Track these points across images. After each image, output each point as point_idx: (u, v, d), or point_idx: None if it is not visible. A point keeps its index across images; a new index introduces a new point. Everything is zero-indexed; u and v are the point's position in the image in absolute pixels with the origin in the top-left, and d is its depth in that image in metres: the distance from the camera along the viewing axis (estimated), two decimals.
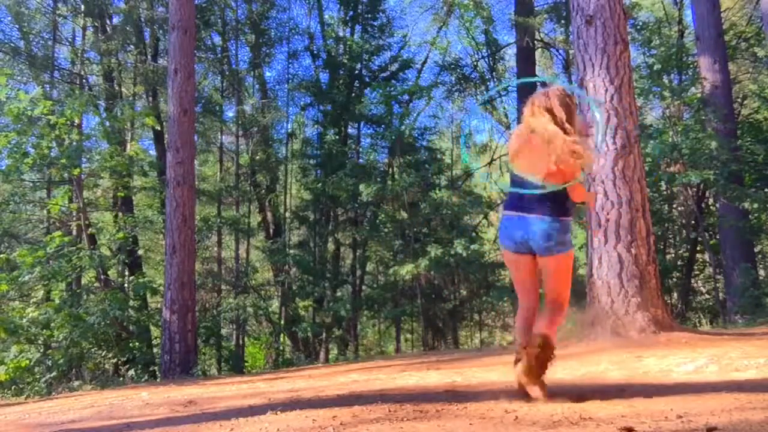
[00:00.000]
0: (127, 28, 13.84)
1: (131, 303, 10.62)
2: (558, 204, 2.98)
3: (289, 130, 16.42)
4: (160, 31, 14.18)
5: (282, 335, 14.38)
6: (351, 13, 15.96)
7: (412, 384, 4.27)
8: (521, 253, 3.05)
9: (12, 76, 12.09)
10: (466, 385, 3.99)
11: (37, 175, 12.43)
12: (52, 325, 9.20)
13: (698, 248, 12.87)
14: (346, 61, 15.21)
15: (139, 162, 12.61)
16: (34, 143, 10.40)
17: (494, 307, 14.17)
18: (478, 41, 17.66)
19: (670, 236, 13.24)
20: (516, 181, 3.06)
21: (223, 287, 14.30)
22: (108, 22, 14.19)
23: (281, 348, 14.11)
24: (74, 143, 10.89)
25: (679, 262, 12.81)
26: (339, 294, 14.27)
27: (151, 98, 14.37)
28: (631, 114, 5.99)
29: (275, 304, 15.09)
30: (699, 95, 11.60)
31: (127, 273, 12.42)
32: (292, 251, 14.38)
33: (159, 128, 13.39)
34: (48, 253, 9.86)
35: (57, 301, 9.89)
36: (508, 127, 17.94)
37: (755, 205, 10.40)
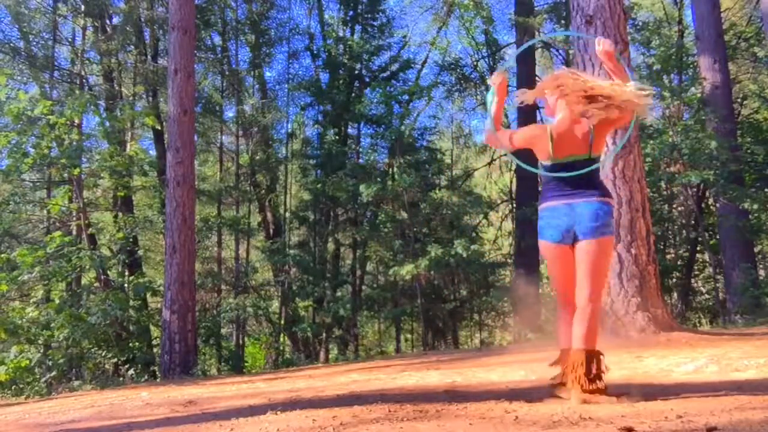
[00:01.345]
0: (127, 28, 13.83)
1: (131, 303, 10.61)
2: (601, 184, 3.05)
3: (289, 130, 16.43)
4: (160, 31, 14.17)
5: (282, 335, 14.37)
6: (351, 13, 15.96)
7: (412, 384, 4.27)
8: (565, 244, 3.00)
9: (12, 76, 12.09)
10: (466, 385, 3.99)
11: (37, 175, 12.44)
12: (53, 325, 9.19)
13: (698, 248, 12.87)
14: (346, 61, 15.21)
15: (139, 162, 12.60)
16: (34, 143, 10.40)
17: (494, 307, 14.16)
18: (478, 41, 17.66)
19: (670, 236, 13.24)
20: (557, 169, 3.02)
21: (223, 287, 14.29)
22: (108, 22, 14.18)
23: (281, 348, 14.10)
24: (74, 143, 10.88)
25: (679, 262, 12.81)
26: (339, 294, 14.26)
27: (151, 98, 14.37)
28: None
29: (275, 304, 15.08)
30: (699, 95, 11.60)
31: (127, 273, 12.42)
32: (292, 251, 14.38)
33: (159, 128, 13.39)
34: (48, 253, 9.85)
35: (57, 301, 9.89)
36: (507, 127, 17.93)
37: (755, 205, 10.40)
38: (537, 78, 16.15)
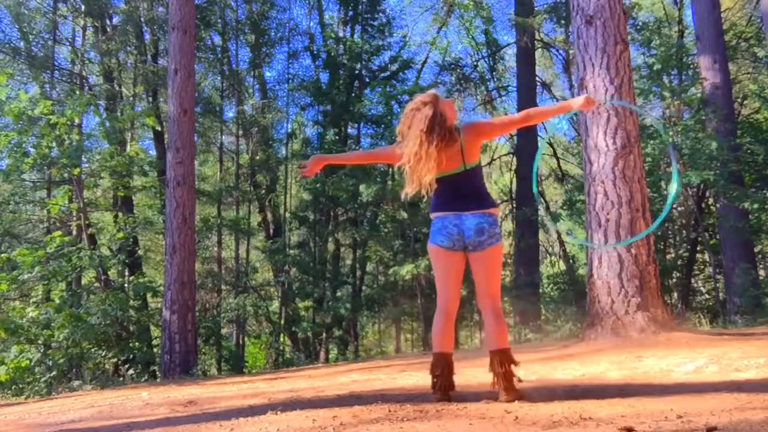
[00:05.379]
0: (127, 28, 13.84)
1: (131, 303, 10.62)
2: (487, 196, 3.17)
3: (289, 130, 16.44)
4: (160, 31, 14.18)
5: (282, 335, 14.38)
6: (351, 13, 15.97)
7: (412, 384, 4.26)
8: (456, 251, 3.11)
9: (12, 76, 12.09)
10: (465, 385, 3.98)
11: (37, 175, 12.44)
12: (53, 325, 9.19)
13: (698, 248, 12.87)
14: (346, 61, 15.21)
15: (139, 162, 12.60)
16: (34, 143, 10.40)
17: None
18: (478, 41, 17.67)
19: (670, 236, 13.24)
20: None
21: (223, 287, 14.30)
22: (108, 22, 14.20)
23: (281, 348, 14.11)
24: (74, 143, 10.89)
25: (679, 262, 12.81)
26: (339, 294, 14.26)
27: (151, 98, 14.37)
28: (631, 114, 5.99)
29: (275, 304, 15.09)
30: (699, 95, 11.60)
31: (127, 273, 12.42)
32: (292, 251, 14.38)
33: (159, 128, 13.40)
34: (48, 253, 9.85)
35: (57, 301, 9.90)
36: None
37: (755, 205, 10.39)
38: (537, 78, 16.16)
